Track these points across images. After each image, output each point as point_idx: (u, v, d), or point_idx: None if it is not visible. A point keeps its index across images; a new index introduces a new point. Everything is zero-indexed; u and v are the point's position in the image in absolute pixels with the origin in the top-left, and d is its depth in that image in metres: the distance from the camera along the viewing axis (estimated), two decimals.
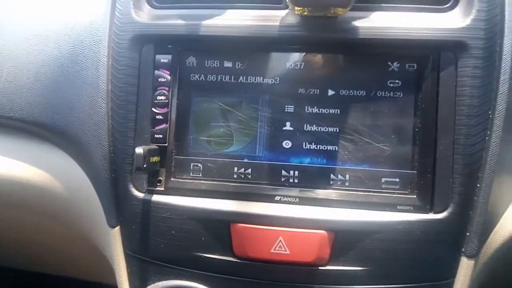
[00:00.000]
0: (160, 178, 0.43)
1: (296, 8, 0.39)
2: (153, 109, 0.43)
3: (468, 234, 0.40)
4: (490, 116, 0.40)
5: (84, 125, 0.46)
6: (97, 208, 0.46)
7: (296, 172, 0.42)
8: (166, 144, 0.43)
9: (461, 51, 0.39)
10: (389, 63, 0.41)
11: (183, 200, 0.42)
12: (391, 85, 0.41)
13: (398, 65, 0.41)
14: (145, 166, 0.40)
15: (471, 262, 0.40)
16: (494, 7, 0.40)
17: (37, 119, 0.50)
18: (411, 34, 0.40)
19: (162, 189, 0.43)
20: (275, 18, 0.41)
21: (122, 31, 0.44)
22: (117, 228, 0.45)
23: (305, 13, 0.40)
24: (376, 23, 0.40)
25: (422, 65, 0.40)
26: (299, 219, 0.40)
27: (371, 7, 0.41)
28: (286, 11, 0.41)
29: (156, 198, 0.43)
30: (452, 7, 0.41)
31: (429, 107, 0.40)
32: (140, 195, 0.43)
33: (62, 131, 0.48)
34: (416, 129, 0.40)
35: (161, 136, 0.43)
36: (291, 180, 0.42)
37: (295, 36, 0.41)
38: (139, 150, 0.40)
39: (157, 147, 0.43)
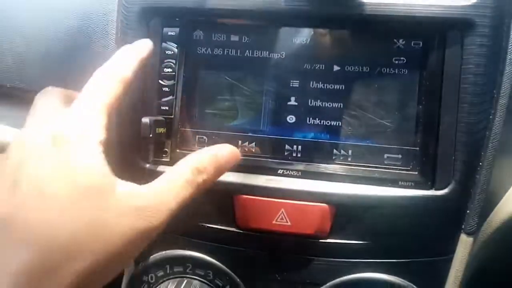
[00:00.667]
0: (166, 149, 0.44)
1: None
2: (160, 81, 0.44)
3: (468, 211, 0.40)
4: (495, 95, 0.40)
5: None
6: None
7: (299, 147, 0.42)
8: (172, 116, 0.44)
9: (468, 29, 0.39)
10: (395, 40, 0.41)
11: None
12: (396, 62, 0.41)
13: (404, 42, 0.41)
14: (151, 135, 0.40)
15: (470, 239, 0.41)
16: None
17: None
18: (418, 11, 0.39)
19: (168, 160, 0.44)
20: None
21: (130, 4, 0.44)
22: None
23: None
24: None
25: (428, 42, 0.40)
26: (301, 192, 0.41)
27: None
28: None
29: (161, 168, 0.43)
30: None
31: (434, 84, 0.40)
32: (146, 165, 0.44)
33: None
34: (420, 107, 0.40)
35: (167, 108, 0.44)
36: (294, 154, 0.42)
37: (302, 11, 0.41)
38: (145, 120, 0.40)
39: (163, 118, 0.43)
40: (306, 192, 0.41)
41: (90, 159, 0.31)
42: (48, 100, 0.37)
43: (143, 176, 0.44)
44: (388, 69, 0.41)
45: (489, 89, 0.40)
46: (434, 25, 0.40)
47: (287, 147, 0.42)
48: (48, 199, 0.29)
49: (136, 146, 0.44)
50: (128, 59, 0.37)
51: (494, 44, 0.39)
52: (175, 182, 0.34)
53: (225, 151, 0.38)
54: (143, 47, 0.39)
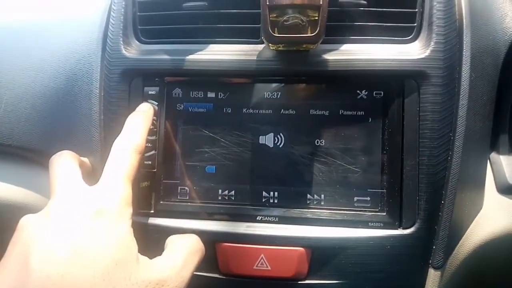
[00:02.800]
0: (151, 201, 0.46)
1: (270, 44, 0.43)
2: None
3: (434, 247, 0.44)
4: (451, 138, 0.44)
5: (79, 152, 0.49)
6: None
7: (276, 193, 0.45)
8: (155, 170, 0.46)
9: (423, 80, 0.43)
10: (358, 91, 0.44)
11: (172, 222, 0.45)
12: (361, 111, 0.44)
13: (366, 93, 0.44)
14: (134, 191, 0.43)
15: (438, 273, 0.44)
16: (451, 39, 0.44)
17: (35, 146, 0.53)
18: (377, 65, 0.44)
19: (152, 211, 0.46)
20: (253, 53, 0.45)
21: (112, 66, 0.47)
22: None
23: (280, 48, 0.44)
24: (345, 55, 0.44)
25: (388, 92, 0.44)
26: (279, 237, 0.43)
27: (341, 39, 0.45)
28: (263, 45, 0.45)
29: (146, 220, 0.46)
30: (413, 39, 0.45)
31: (395, 131, 0.44)
32: (133, 217, 0.46)
33: None
34: (384, 152, 0.44)
35: (150, 162, 0.46)
36: (271, 201, 0.45)
37: (272, 69, 0.44)
38: None
39: (146, 172, 0.46)
40: (284, 237, 0.43)
41: (123, 233, 0.36)
42: (70, 169, 0.42)
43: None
44: (353, 118, 0.44)
45: (445, 132, 0.43)
46: (393, 77, 0.44)
47: (264, 194, 0.45)
48: (87, 267, 0.33)
49: None
50: (138, 127, 0.43)
51: (448, 92, 0.43)
52: (186, 253, 0.39)
53: None
54: (147, 112, 0.45)
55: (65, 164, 0.42)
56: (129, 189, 0.39)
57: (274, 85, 0.45)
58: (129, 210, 0.38)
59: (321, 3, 0.40)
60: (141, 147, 0.41)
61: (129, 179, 0.39)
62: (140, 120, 0.43)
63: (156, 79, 0.47)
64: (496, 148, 0.50)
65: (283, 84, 0.45)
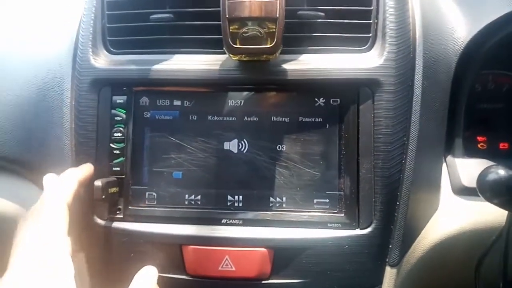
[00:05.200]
0: (120, 206, 0.48)
1: (231, 55, 0.45)
2: (111, 144, 0.48)
3: (390, 246, 0.46)
4: (405, 142, 0.46)
5: (52, 160, 0.50)
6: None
7: (240, 197, 0.47)
8: (124, 176, 0.48)
9: (376, 87, 0.46)
10: (316, 99, 0.47)
11: (140, 226, 0.47)
12: (319, 117, 0.47)
13: (324, 100, 0.47)
14: (103, 197, 0.45)
15: (394, 270, 0.46)
16: (404, 48, 0.47)
17: (8, 155, 0.54)
18: (333, 74, 0.46)
19: (121, 216, 0.48)
20: (216, 62, 0.47)
21: (82, 76, 0.49)
22: (83, 254, 0.49)
23: (242, 59, 0.46)
24: (303, 65, 0.47)
25: (344, 100, 0.47)
26: (242, 239, 0.45)
27: (300, 49, 0.48)
28: (226, 55, 0.47)
29: (116, 224, 0.47)
30: (368, 49, 0.47)
31: (351, 136, 0.46)
32: (102, 222, 0.48)
33: (31, 166, 0.52)
34: (341, 156, 0.46)
35: (118, 168, 0.48)
36: (236, 204, 0.47)
37: (234, 78, 0.47)
38: (97, 183, 0.44)
39: (115, 178, 0.47)
40: (247, 239, 0.45)
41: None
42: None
43: (99, 232, 0.48)
44: (312, 124, 0.47)
45: (399, 137, 0.46)
46: (348, 85, 0.46)
47: (229, 198, 0.47)
48: None
49: (92, 205, 0.48)
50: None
51: (401, 98, 0.46)
52: None
53: None
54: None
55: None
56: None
57: (237, 93, 0.48)
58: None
59: (277, 15, 0.42)
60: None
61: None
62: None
63: (124, 88, 0.48)
64: (451, 151, 0.53)
65: (246, 93, 0.48)
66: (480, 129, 0.60)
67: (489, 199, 0.40)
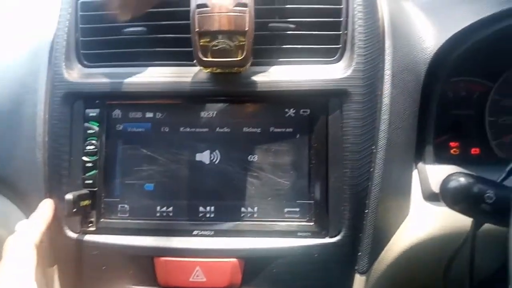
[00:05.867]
0: (92, 219, 0.48)
1: (202, 67, 0.46)
2: (83, 157, 0.48)
3: (359, 253, 0.47)
4: (374, 150, 0.47)
5: (23, 173, 0.50)
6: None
7: (212, 208, 0.47)
8: (96, 189, 0.48)
9: (345, 98, 0.47)
10: (286, 109, 0.48)
11: (112, 239, 0.47)
12: (289, 128, 0.48)
13: (294, 111, 0.48)
14: (74, 210, 0.45)
15: (363, 278, 0.47)
16: (373, 59, 0.48)
17: None
18: (303, 85, 0.47)
19: (94, 229, 0.48)
20: (188, 75, 0.48)
21: (55, 89, 0.49)
22: (55, 267, 0.49)
23: (214, 71, 0.47)
24: (274, 76, 0.47)
25: (314, 110, 0.47)
26: (213, 250, 0.46)
27: (271, 61, 0.49)
28: (198, 68, 0.48)
29: (88, 237, 0.48)
30: (337, 60, 0.48)
31: (321, 145, 0.47)
32: (74, 235, 0.48)
33: (3, 179, 0.52)
34: (311, 165, 0.47)
35: (91, 181, 0.48)
36: (207, 215, 0.47)
37: (205, 90, 0.47)
38: (68, 196, 0.45)
39: (88, 191, 0.48)
40: (218, 249, 0.46)
41: None
42: None
43: (71, 245, 0.48)
44: (282, 134, 0.47)
45: (367, 146, 0.47)
46: (317, 95, 0.47)
47: (201, 209, 0.47)
48: None
49: (65, 217, 0.48)
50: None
51: (369, 108, 0.47)
52: None
53: None
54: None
55: None
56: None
57: (209, 105, 0.48)
58: None
59: (246, 29, 0.43)
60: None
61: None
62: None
63: (97, 101, 0.49)
64: (422, 158, 0.54)
65: (217, 104, 0.48)
66: (453, 135, 0.61)
67: (451, 205, 0.41)
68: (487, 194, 0.40)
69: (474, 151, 0.61)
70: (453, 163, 0.55)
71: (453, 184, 0.41)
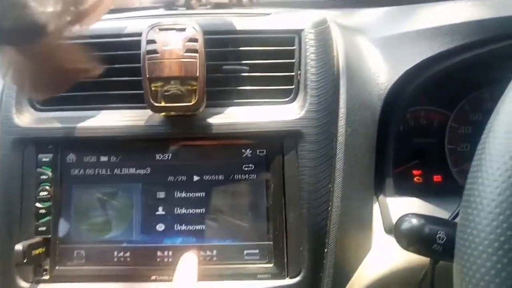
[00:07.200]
0: (46, 267, 0.47)
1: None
2: (36, 204, 0.47)
3: None
4: (331, 189, 0.47)
5: None
6: None
7: (170, 252, 0.47)
8: (50, 236, 0.47)
9: (299, 138, 0.47)
10: (243, 150, 0.48)
11: (68, 286, 0.46)
12: (246, 168, 0.47)
13: (251, 151, 0.48)
14: (25, 261, 0.43)
15: None
16: (326, 98, 0.48)
17: None
18: (258, 126, 0.47)
19: (48, 277, 0.46)
20: (142, 118, 0.47)
21: (5, 134, 0.48)
22: None
23: (168, 114, 0.46)
24: (228, 118, 0.47)
25: (270, 151, 0.47)
26: None
27: (226, 103, 0.49)
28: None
29: (41, 287, 0.46)
30: (292, 101, 0.49)
31: (278, 186, 0.47)
32: (27, 285, 0.46)
33: None
34: (269, 206, 0.47)
35: (44, 228, 0.47)
36: (165, 260, 0.46)
37: (159, 133, 0.47)
38: (18, 247, 0.43)
39: (41, 239, 0.46)
40: None
41: None
42: None
43: None
44: (240, 176, 0.47)
45: (324, 185, 0.47)
46: (272, 136, 0.47)
47: (159, 253, 0.47)
48: None
49: (16, 268, 0.46)
50: None
51: (323, 147, 0.47)
52: None
53: None
54: None
55: None
56: None
57: (164, 148, 0.48)
58: None
59: (197, 74, 0.43)
60: None
61: None
62: None
63: (50, 146, 0.48)
64: (382, 191, 0.55)
65: (172, 147, 0.48)
66: (415, 163, 0.63)
67: (405, 247, 0.42)
68: (438, 235, 0.40)
69: (437, 178, 0.62)
70: (414, 194, 0.55)
71: (405, 225, 0.41)
